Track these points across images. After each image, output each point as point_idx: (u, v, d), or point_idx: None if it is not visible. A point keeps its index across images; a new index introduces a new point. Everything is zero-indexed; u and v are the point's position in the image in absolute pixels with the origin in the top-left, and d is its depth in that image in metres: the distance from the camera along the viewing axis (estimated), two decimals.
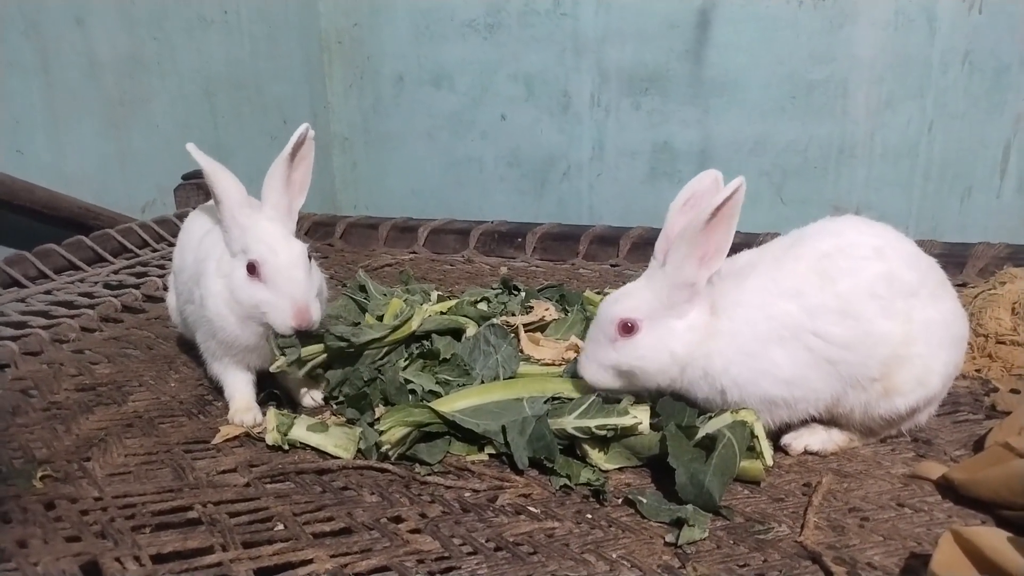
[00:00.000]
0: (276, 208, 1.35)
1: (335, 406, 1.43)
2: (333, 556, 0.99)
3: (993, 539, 0.87)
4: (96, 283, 2.07)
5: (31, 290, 1.95)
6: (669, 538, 1.03)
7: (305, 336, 1.32)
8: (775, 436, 1.26)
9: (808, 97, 2.82)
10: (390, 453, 1.23)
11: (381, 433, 1.23)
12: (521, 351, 1.48)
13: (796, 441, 1.25)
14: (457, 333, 1.55)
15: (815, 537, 1.03)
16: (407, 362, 1.46)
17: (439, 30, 3.32)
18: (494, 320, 1.56)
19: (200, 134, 2.90)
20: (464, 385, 1.37)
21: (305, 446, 1.28)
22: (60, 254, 2.10)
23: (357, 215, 2.88)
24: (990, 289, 1.68)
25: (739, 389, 1.17)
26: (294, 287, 1.27)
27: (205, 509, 1.10)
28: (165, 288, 1.89)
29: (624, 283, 1.99)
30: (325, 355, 1.39)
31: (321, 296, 1.37)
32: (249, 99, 3.12)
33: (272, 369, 1.34)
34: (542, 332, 1.61)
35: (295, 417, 1.31)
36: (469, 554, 1.00)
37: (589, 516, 1.10)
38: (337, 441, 1.26)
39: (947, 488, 1.14)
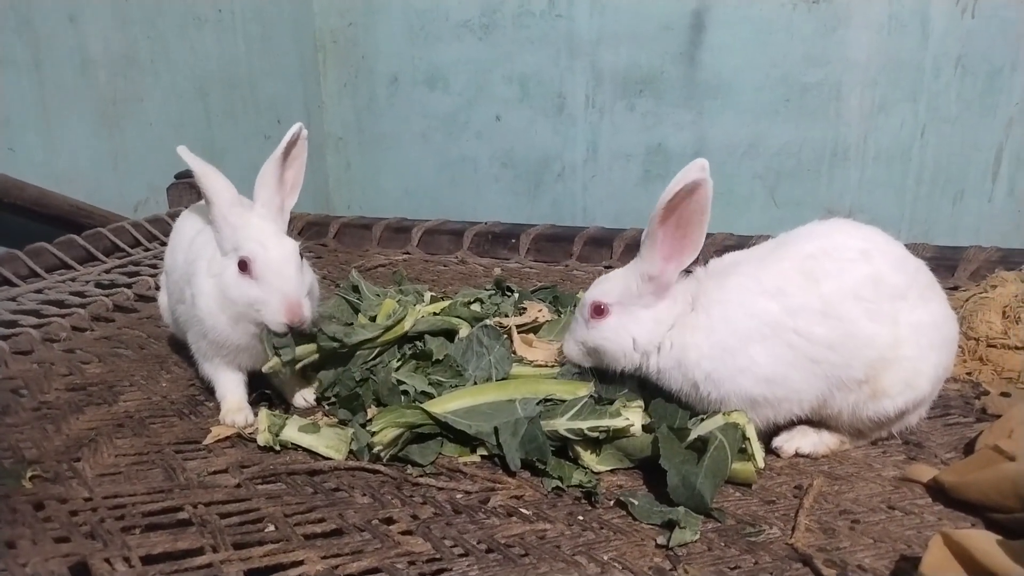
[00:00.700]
0: (268, 207, 1.35)
1: (327, 407, 1.42)
2: (324, 557, 0.98)
3: (983, 542, 0.87)
4: (88, 282, 2.06)
5: (22, 289, 1.94)
6: (660, 540, 1.03)
7: (297, 335, 1.31)
8: (766, 438, 1.26)
9: (801, 100, 2.83)
10: (382, 454, 1.22)
11: (373, 434, 1.22)
12: (514, 352, 1.48)
13: (787, 444, 1.26)
14: (450, 334, 1.55)
15: (806, 539, 1.03)
16: (400, 363, 1.46)
17: (434, 30, 3.32)
18: (487, 321, 1.56)
19: (193, 133, 2.89)
20: (457, 386, 1.37)
21: (297, 447, 1.27)
22: (51, 253, 2.09)
23: (351, 215, 2.88)
24: (981, 293, 1.69)
25: (714, 385, 1.18)
26: (285, 283, 1.27)
27: (196, 510, 1.09)
28: (157, 287, 1.88)
29: None
30: (317, 355, 1.38)
31: (313, 295, 1.36)
32: (243, 98, 3.11)
33: (264, 370, 1.34)
34: (535, 333, 1.61)
35: (287, 418, 1.31)
36: (460, 556, 1.00)
37: (581, 518, 1.10)
38: (329, 442, 1.26)
39: (937, 491, 1.14)
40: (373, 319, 1.62)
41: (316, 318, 1.36)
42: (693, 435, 1.14)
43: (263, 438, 1.26)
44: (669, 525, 1.05)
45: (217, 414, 1.38)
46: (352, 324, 1.60)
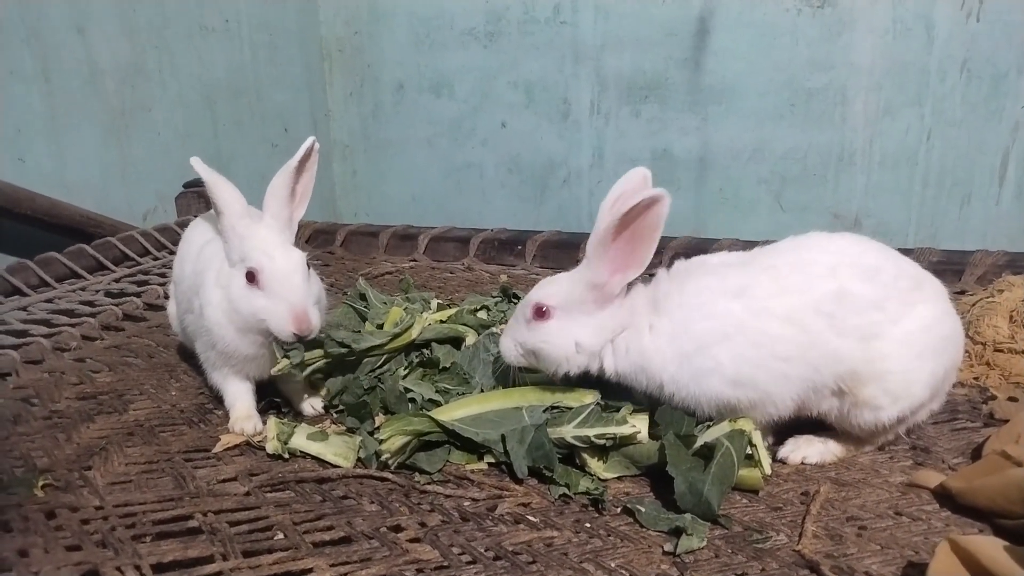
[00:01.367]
0: (276, 218, 1.36)
1: (335, 415, 1.43)
2: (333, 565, 0.99)
3: (990, 548, 0.87)
4: (97, 291, 2.07)
5: (32, 298, 1.96)
6: (667, 547, 1.03)
7: (306, 344, 1.32)
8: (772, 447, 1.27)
9: (807, 104, 2.83)
10: (390, 462, 1.23)
11: (381, 442, 1.23)
12: None
13: (793, 453, 1.26)
14: (457, 342, 1.55)
15: (813, 546, 1.04)
16: (407, 371, 1.47)
17: (439, 38, 3.33)
18: (494, 329, 1.56)
19: (201, 142, 2.91)
20: (464, 394, 1.38)
21: (305, 455, 1.28)
22: (61, 262, 2.11)
23: (358, 223, 2.89)
24: (988, 297, 1.69)
25: (678, 387, 1.18)
26: (292, 293, 1.28)
27: (205, 518, 1.10)
28: (166, 296, 1.90)
29: None
30: (325, 360, 1.39)
31: (320, 304, 1.37)
32: (250, 107, 3.13)
33: (273, 372, 1.35)
34: None
35: (295, 426, 1.32)
36: (468, 563, 1.01)
37: (588, 525, 1.10)
38: (337, 450, 1.27)
39: (945, 497, 1.14)
40: (380, 327, 1.63)
41: (324, 327, 1.36)
42: (699, 442, 1.14)
43: (272, 446, 1.27)
44: (676, 532, 1.05)
45: (226, 422, 1.39)
46: (360, 332, 1.61)
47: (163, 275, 2.22)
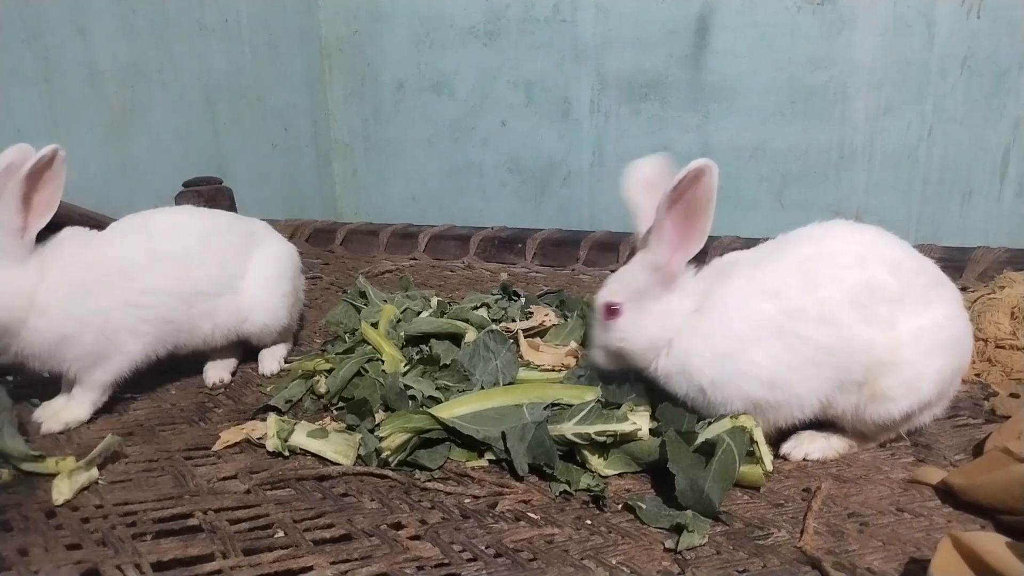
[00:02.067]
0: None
1: (335, 412, 1.43)
2: (333, 563, 0.99)
3: (992, 544, 0.87)
4: None
5: None
6: (669, 544, 1.03)
7: None
8: (775, 442, 1.26)
9: (807, 102, 2.82)
10: (390, 459, 1.23)
11: (381, 439, 1.23)
12: (521, 357, 1.49)
13: (796, 450, 1.25)
14: (456, 338, 1.55)
15: (814, 542, 1.03)
16: (407, 367, 1.47)
17: (439, 37, 3.33)
18: (493, 326, 1.56)
19: (201, 142, 2.92)
20: (464, 391, 1.37)
21: (305, 452, 1.28)
22: None
23: (358, 222, 2.89)
24: (989, 293, 1.68)
25: (719, 390, 1.18)
26: None
27: (205, 516, 1.10)
28: None
29: None
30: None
31: None
32: (250, 107, 3.13)
33: None
34: (542, 338, 1.62)
35: (295, 423, 1.32)
36: (469, 560, 1.01)
37: (589, 522, 1.10)
38: (337, 447, 1.27)
39: (946, 493, 1.14)
40: (375, 325, 1.63)
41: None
42: (700, 439, 1.14)
43: (272, 443, 1.27)
44: (677, 529, 1.05)
45: (226, 421, 1.39)
46: (357, 330, 1.62)
47: None
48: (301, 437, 1.28)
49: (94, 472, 1.20)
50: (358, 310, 1.72)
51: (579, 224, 3.23)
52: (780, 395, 1.17)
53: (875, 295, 1.15)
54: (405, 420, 1.24)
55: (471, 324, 1.59)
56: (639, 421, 1.19)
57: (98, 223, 2.44)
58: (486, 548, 1.03)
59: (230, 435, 1.32)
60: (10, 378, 1.56)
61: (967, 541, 0.88)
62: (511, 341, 1.48)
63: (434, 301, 1.80)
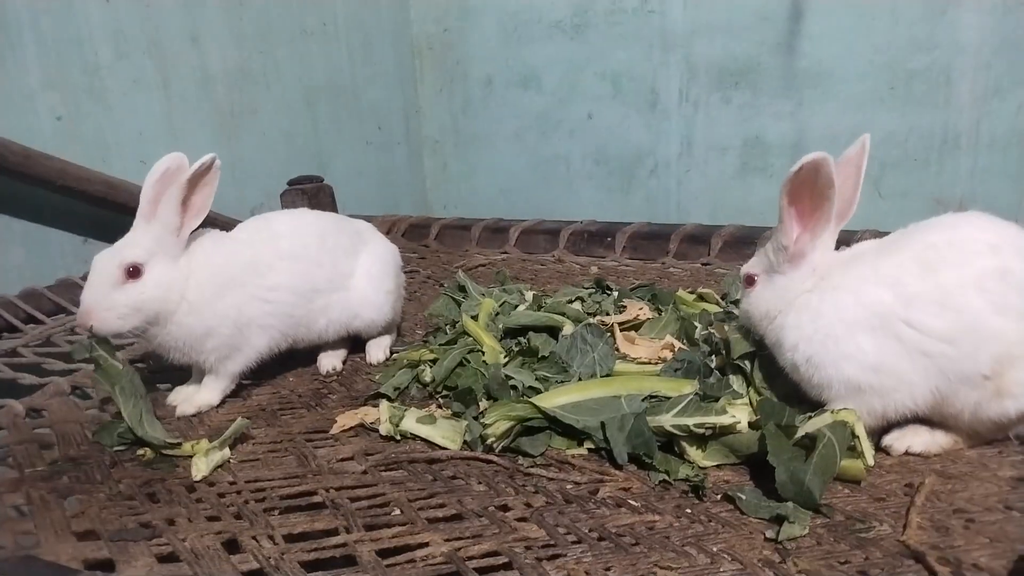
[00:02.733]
0: (162, 225, 1.40)
1: (440, 400, 1.51)
2: (447, 540, 1.06)
3: None
4: None
5: None
6: (769, 534, 1.05)
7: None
8: (876, 436, 1.26)
9: (908, 86, 2.73)
10: (495, 445, 1.29)
11: (486, 426, 1.29)
12: (617, 350, 1.53)
13: (898, 442, 1.25)
14: (553, 331, 1.60)
15: (918, 537, 1.03)
16: (507, 359, 1.53)
17: (526, 32, 3.38)
18: (590, 319, 1.61)
19: (302, 141, 3.07)
20: (562, 382, 1.42)
21: (415, 437, 1.36)
22: None
23: (450, 217, 2.98)
24: None
25: (817, 369, 1.20)
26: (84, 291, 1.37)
27: (328, 494, 1.19)
28: None
29: (716, 283, 2.01)
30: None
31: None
32: (347, 106, 3.27)
33: None
34: (637, 331, 1.65)
35: (405, 410, 1.39)
36: (574, 543, 1.06)
37: (689, 511, 1.13)
38: (445, 433, 1.34)
39: None
40: (475, 317, 1.70)
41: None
42: (800, 432, 1.15)
43: (385, 428, 1.36)
44: (778, 520, 1.07)
45: (340, 406, 1.48)
46: (457, 322, 1.69)
47: None
48: (411, 423, 1.36)
49: (227, 452, 1.31)
50: (458, 303, 1.79)
51: (666, 216, 3.23)
52: (887, 380, 1.17)
53: (1007, 282, 1.12)
54: (508, 408, 1.30)
55: (567, 317, 1.63)
56: (738, 414, 1.22)
57: (212, 219, 2.62)
58: (589, 531, 1.08)
59: (346, 419, 1.41)
60: (142, 364, 1.71)
61: None
62: (607, 334, 1.52)
63: (529, 295, 1.86)
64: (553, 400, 1.32)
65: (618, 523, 1.10)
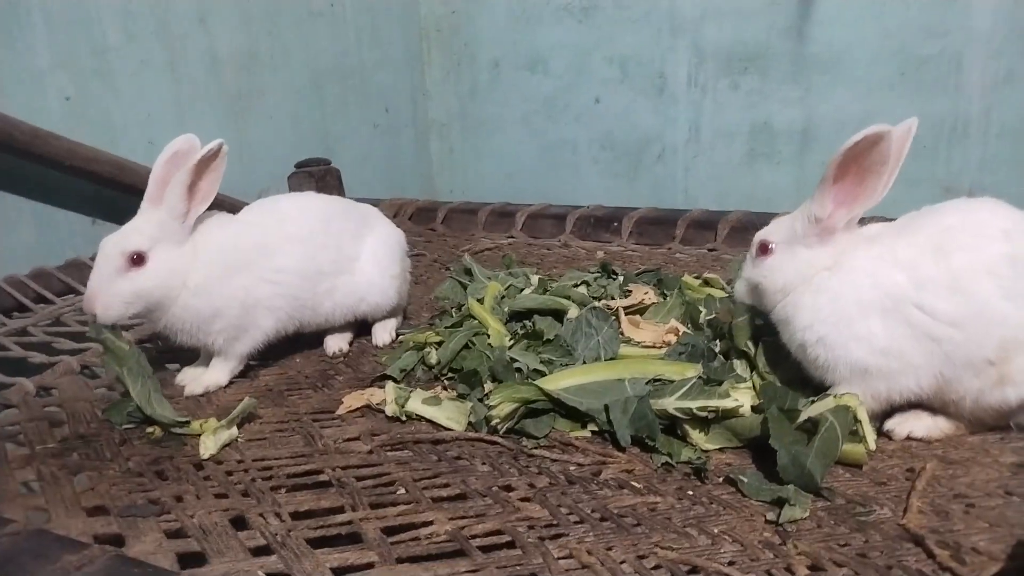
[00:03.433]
0: (167, 209, 1.41)
1: (446, 381, 1.52)
2: (451, 519, 1.07)
3: None
4: None
5: None
6: (770, 516, 1.06)
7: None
8: (879, 422, 1.26)
9: (918, 73, 2.71)
10: (499, 427, 1.31)
11: (491, 408, 1.30)
12: (622, 333, 1.53)
13: (900, 427, 1.25)
14: (559, 315, 1.61)
15: (918, 521, 1.04)
16: (512, 342, 1.54)
17: (535, 14, 3.36)
18: (595, 303, 1.61)
19: (310, 124, 3.07)
20: (567, 365, 1.43)
21: (420, 418, 1.37)
22: None
23: (457, 201, 2.98)
24: None
25: (826, 349, 1.20)
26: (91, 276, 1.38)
27: (334, 473, 1.21)
28: None
29: (722, 269, 2.01)
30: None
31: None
32: (354, 89, 3.26)
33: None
34: (641, 315, 1.66)
35: (411, 391, 1.41)
36: (576, 523, 1.07)
37: (690, 493, 1.14)
38: (449, 414, 1.35)
39: None
40: (481, 301, 1.71)
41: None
42: (803, 416, 1.16)
43: (390, 409, 1.37)
44: (779, 502, 1.08)
45: (347, 387, 1.50)
46: (464, 305, 1.70)
47: None
48: (417, 404, 1.37)
49: (234, 431, 1.33)
50: (464, 286, 1.80)
51: (673, 201, 3.22)
52: (894, 363, 1.17)
53: (1017, 268, 1.12)
54: (513, 390, 1.31)
55: (573, 301, 1.64)
56: (741, 398, 1.22)
57: (219, 201, 2.63)
58: (592, 512, 1.09)
59: (352, 400, 1.43)
60: (149, 345, 1.73)
61: None
62: (612, 318, 1.53)
63: (535, 279, 1.86)
64: (557, 383, 1.33)
65: (620, 504, 1.11)
